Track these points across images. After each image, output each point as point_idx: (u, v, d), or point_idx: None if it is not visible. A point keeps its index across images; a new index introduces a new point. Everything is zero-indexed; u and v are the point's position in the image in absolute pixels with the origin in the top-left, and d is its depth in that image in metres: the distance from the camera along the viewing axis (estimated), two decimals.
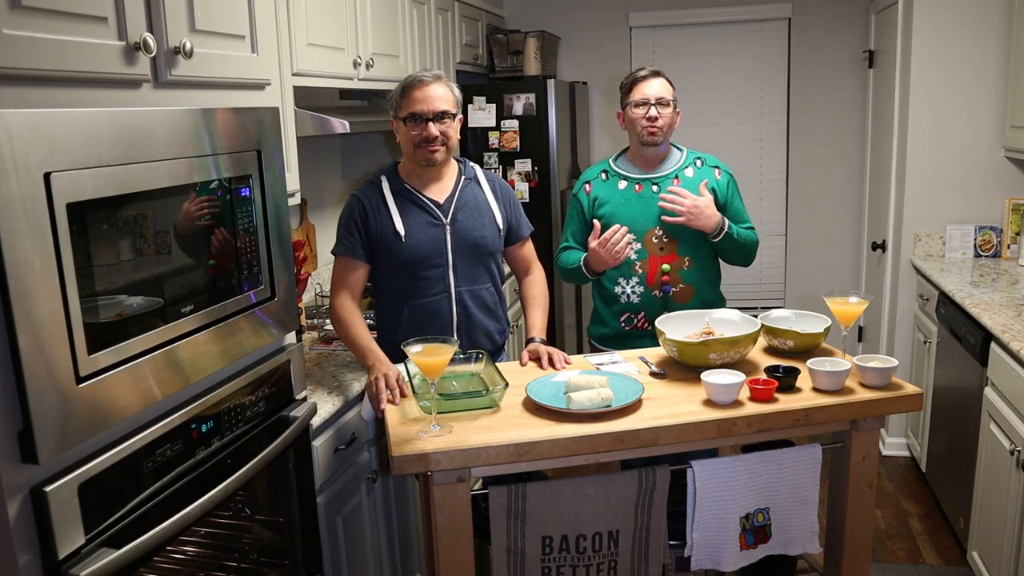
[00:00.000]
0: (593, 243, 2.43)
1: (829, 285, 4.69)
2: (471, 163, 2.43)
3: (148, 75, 1.52)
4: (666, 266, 2.52)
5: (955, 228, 3.71)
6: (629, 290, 2.55)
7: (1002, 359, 2.54)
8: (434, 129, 2.20)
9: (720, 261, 2.64)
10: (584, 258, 2.53)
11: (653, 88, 2.51)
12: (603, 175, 2.64)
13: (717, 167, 2.62)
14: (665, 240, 2.52)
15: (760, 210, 4.85)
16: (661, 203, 2.46)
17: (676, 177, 2.56)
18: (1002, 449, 2.50)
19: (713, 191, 2.55)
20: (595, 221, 2.49)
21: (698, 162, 2.61)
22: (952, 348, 3.10)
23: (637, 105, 2.52)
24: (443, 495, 1.74)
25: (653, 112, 2.49)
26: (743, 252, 2.57)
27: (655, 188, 2.55)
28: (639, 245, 2.52)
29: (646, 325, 2.55)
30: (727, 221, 2.50)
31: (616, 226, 2.41)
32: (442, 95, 2.21)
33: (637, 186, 2.57)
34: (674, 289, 2.53)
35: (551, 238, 4.10)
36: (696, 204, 2.43)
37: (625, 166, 2.63)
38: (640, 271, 2.54)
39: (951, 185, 3.69)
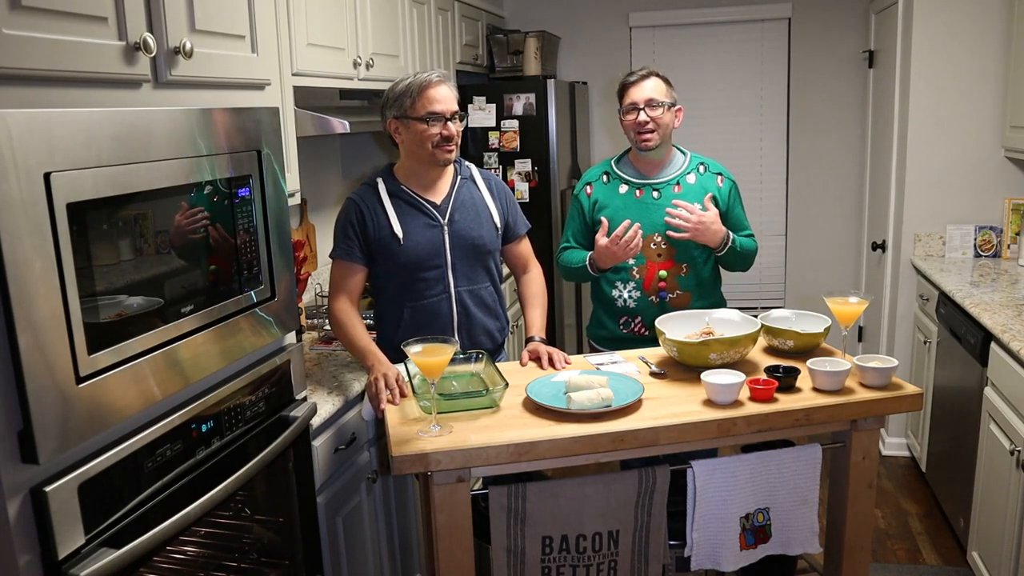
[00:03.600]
0: (603, 240, 2.40)
1: (829, 285, 4.69)
2: (466, 163, 2.43)
3: (148, 75, 1.52)
4: (663, 272, 2.51)
5: (955, 228, 3.71)
6: (626, 294, 2.54)
7: (1002, 359, 2.54)
8: (453, 128, 2.21)
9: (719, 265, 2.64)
10: (589, 256, 2.52)
11: (642, 92, 2.47)
12: (604, 177, 2.62)
13: (720, 174, 2.59)
14: (663, 247, 2.51)
15: (760, 210, 4.85)
16: (667, 218, 2.43)
17: (677, 183, 2.55)
18: (1002, 449, 2.50)
19: (714, 199, 2.53)
20: (603, 219, 2.47)
21: (701, 167, 2.59)
22: (952, 348, 3.10)
23: (627, 112, 2.50)
24: (443, 495, 1.74)
25: (643, 117, 2.46)
26: (744, 262, 2.57)
27: (656, 194, 2.54)
28: (637, 250, 2.51)
29: (643, 331, 2.54)
30: (731, 235, 2.48)
31: (626, 222, 2.39)
32: (452, 95, 2.24)
33: (638, 191, 2.55)
34: (671, 295, 2.52)
35: (551, 238, 4.10)
36: (702, 220, 2.39)
37: (626, 169, 2.61)
38: (637, 276, 2.53)
39: (951, 185, 3.69)
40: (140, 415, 1.44)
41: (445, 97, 2.20)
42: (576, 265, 2.58)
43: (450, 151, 2.23)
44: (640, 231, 2.37)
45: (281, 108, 2.08)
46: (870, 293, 2.44)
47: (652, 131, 2.47)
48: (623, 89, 2.53)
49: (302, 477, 1.99)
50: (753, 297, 4.94)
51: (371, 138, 3.63)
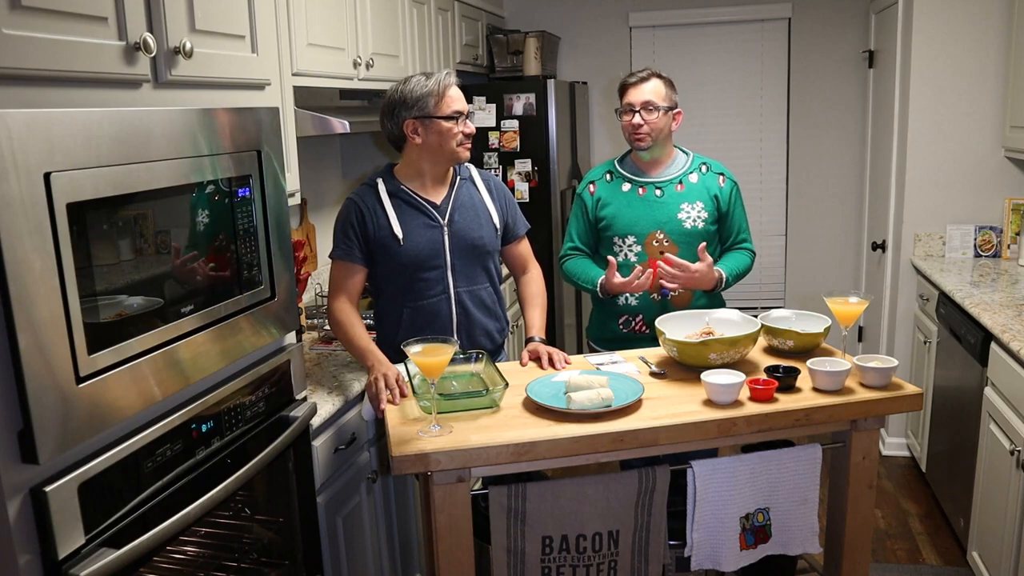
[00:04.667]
0: (616, 280, 2.41)
1: (829, 285, 4.69)
2: (466, 163, 2.43)
3: (148, 75, 1.52)
4: None
5: (955, 228, 3.71)
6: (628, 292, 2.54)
7: (1002, 359, 2.54)
8: (472, 125, 2.26)
9: None
10: (601, 283, 2.51)
11: (640, 94, 2.49)
12: (607, 176, 2.63)
13: (722, 174, 2.60)
14: (666, 244, 2.51)
15: (760, 210, 4.86)
16: (660, 280, 2.43)
17: (680, 183, 2.55)
18: (1002, 449, 2.50)
19: (715, 198, 2.55)
20: (610, 259, 2.46)
21: (703, 167, 2.60)
22: (952, 348, 3.10)
23: (623, 112, 2.52)
24: (443, 495, 1.74)
25: (637, 119, 2.47)
26: (738, 281, 2.61)
27: (659, 192, 2.55)
28: (639, 248, 2.52)
29: (644, 328, 2.54)
30: (723, 273, 2.50)
31: (638, 269, 2.39)
32: (462, 95, 2.27)
33: (641, 189, 2.56)
34: (673, 293, 2.53)
35: (551, 238, 4.10)
36: (692, 277, 2.40)
37: (629, 168, 2.62)
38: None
39: (951, 185, 3.69)
40: (140, 415, 1.44)
41: (462, 96, 2.26)
42: (584, 284, 2.58)
43: (470, 148, 2.28)
44: (648, 273, 2.38)
45: (281, 108, 2.08)
46: (870, 293, 2.44)
47: (646, 133, 2.49)
48: (623, 89, 2.54)
49: (302, 477, 1.99)
50: (753, 297, 4.93)
51: (371, 138, 3.63)
